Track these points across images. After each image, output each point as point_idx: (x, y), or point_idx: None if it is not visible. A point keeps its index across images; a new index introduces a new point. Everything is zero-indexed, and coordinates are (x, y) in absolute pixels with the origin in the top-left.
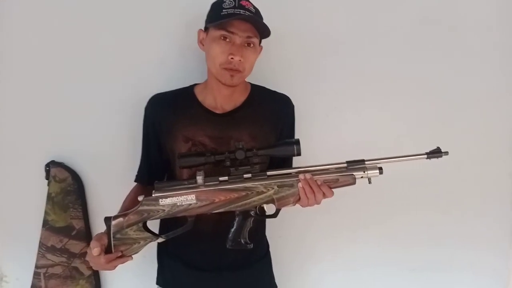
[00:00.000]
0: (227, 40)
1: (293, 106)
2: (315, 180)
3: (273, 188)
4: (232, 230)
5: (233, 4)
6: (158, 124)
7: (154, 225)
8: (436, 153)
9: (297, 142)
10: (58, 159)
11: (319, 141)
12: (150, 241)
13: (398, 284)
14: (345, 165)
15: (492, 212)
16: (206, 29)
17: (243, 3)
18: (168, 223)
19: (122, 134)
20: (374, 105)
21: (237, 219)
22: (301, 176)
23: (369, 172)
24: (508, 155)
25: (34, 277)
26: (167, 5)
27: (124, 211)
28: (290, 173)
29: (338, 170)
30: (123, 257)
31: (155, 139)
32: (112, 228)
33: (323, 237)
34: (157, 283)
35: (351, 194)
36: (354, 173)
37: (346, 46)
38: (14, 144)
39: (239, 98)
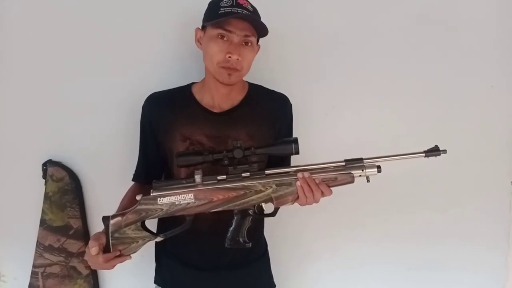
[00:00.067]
0: (225, 38)
1: (290, 105)
2: (314, 179)
3: (271, 187)
4: (231, 229)
5: (230, 3)
6: (155, 123)
7: (152, 224)
8: (434, 151)
9: (295, 141)
10: (55, 158)
11: (317, 140)
12: (149, 240)
13: (396, 283)
14: (343, 163)
15: (490, 211)
16: (204, 27)
17: (241, 1)
18: (166, 222)
19: (120, 133)
20: (373, 104)
21: (235, 218)
22: (299, 174)
23: (367, 170)
24: (506, 153)
25: (32, 277)
26: (165, 4)
27: (122, 210)
28: (289, 172)
29: (336, 168)
30: (122, 256)
31: (153, 138)
32: (110, 228)
33: (321, 235)
34: (155, 282)
35: (349, 193)
36: (352, 172)
37: (345, 45)
38: (11, 143)
39: (236, 97)
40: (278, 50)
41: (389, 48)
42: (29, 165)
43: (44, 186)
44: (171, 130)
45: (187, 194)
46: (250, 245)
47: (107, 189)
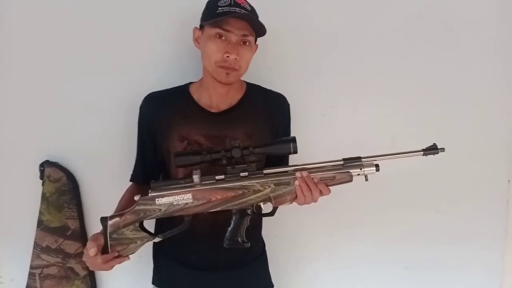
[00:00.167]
0: (223, 38)
1: (288, 105)
2: (312, 178)
3: (269, 186)
4: (229, 229)
5: (228, 2)
6: (153, 123)
7: (150, 225)
8: (432, 149)
9: (294, 140)
10: (52, 158)
11: (315, 140)
12: (147, 241)
13: (395, 282)
14: (341, 162)
15: (488, 210)
16: (202, 27)
17: (239, 1)
18: (164, 222)
19: (117, 133)
20: (371, 104)
21: (234, 217)
22: (297, 174)
23: (365, 169)
24: (504, 153)
25: (29, 278)
26: (162, 3)
27: (120, 211)
28: (287, 171)
29: (334, 167)
30: (120, 257)
31: (150, 138)
32: (108, 228)
33: (319, 235)
34: (153, 283)
35: (348, 192)
36: (350, 171)
37: (343, 45)
38: (8, 143)
39: (234, 96)
40: (276, 49)
41: (387, 47)
42: (26, 166)
43: (41, 187)
44: (168, 130)
45: (185, 194)
46: (249, 245)
47: (104, 189)
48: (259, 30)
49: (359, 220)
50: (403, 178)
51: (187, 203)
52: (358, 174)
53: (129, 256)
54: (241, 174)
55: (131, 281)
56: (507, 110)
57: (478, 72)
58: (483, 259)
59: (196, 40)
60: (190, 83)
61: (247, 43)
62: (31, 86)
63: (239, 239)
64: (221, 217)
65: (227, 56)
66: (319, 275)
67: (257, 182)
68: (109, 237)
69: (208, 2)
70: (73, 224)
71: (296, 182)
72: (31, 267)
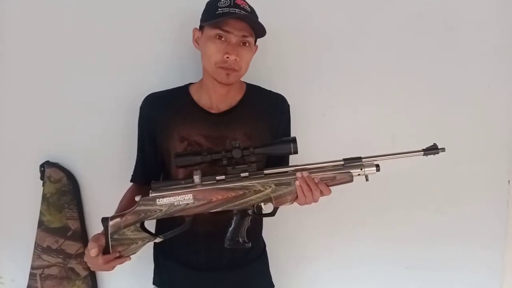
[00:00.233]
0: (223, 39)
1: (288, 105)
2: (313, 178)
3: (270, 187)
4: (230, 229)
5: (228, 3)
6: (153, 123)
7: (150, 226)
8: (432, 149)
9: (294, 140)
10: (53, 159)
11: (315, 140)
12: (148, 241)
13: (395, 282)
14: (342, 162)
15: (488, 210)
16: (201, 28)
17: (239, 2)
18: (165, 223)
19: (117, 134)
20: (371, 104)
21: (234, 218)
22: (298, 174)
23: (366, 169)
24: (504, 153)
25: (30, 278)
26: (162, 4)
27: (121, 212)
28: (287, 172)
29: (335, 167)
30: (121, 257)
31: (151, 139)
32: (109, 229)
33: (319, 235)
34: (153, 283)
35: (348, 192)
36: (351, 171)
37: (343, 45)
38: (9, 144)
39: (234, 97)
40: (276, 50)
41: (387, 47)
42: (27, 166)
43: (42, 188)
44: (168, 131)
45: (186, 195)
46: (250, 245)
47: (105, 190)
48: (259, 31)
49: (360, 220)
50: (403, 178)
51: (188, 204)
52: (359, 174)
53: (130, 256)
54: (242, 174)
55: (132, 282)
56: (507, 110)
57: (478, 72)
58: (483, 259)
59: (195, 41)
60: (190, 83)
61: (247, 44)
62: (31, 86)
63: (240, 240)
64: (222, 218)
65: (227, 57)
66: (319, 275)
67: (257, 183)
68: (110, 238)
69: (207, 3)
70: (73, 225)
71: (297, 182)
72: (32, 268)
